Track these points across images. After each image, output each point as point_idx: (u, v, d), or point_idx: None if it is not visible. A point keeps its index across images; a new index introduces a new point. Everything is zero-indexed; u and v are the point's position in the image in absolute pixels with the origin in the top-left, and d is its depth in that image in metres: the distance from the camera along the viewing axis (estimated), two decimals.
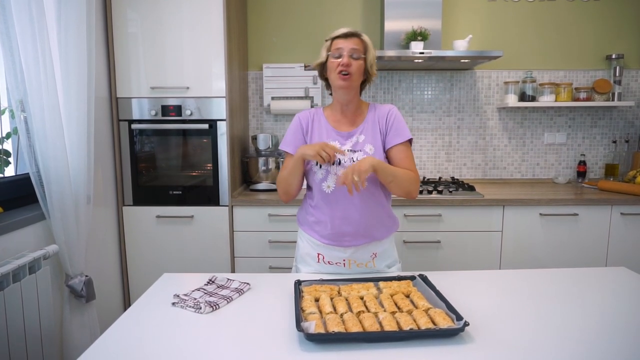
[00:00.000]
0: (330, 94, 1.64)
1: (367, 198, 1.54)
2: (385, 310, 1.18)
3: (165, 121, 2.49)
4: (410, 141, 1.59)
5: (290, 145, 1.61)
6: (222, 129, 2.49)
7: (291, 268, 1.76)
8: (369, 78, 1.59)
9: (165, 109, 2.47)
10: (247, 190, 2.77)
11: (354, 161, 1.52)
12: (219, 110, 2.47)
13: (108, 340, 1.09)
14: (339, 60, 1.51)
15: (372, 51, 1.56)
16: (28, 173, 1.80)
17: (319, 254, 1.60)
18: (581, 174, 3.01)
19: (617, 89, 2.93)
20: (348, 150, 1.55)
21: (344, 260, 1.58)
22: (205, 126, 2.48)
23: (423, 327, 1.07)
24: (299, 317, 1.11)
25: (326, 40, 1.58)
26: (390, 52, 2.57)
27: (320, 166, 1.54)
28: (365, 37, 1.55)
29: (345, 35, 1.53)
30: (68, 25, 1.88)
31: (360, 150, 1.55)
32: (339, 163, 1.53)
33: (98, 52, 2.32)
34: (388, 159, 1.58)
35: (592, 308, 1.26)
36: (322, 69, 1.60)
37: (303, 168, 1.54)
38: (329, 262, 1.59)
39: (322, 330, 1.06)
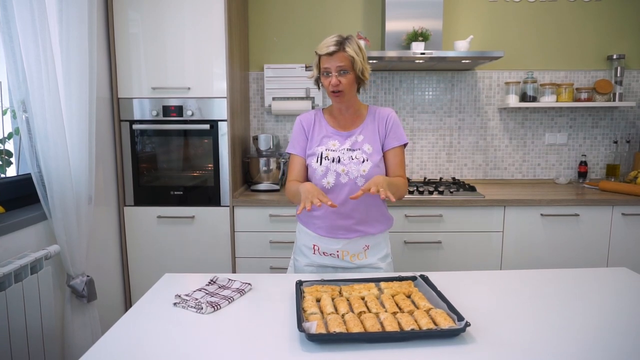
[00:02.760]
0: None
1: (364, 197, 1.57)
2: (386, 311, 1.18)
3: (166, 121, 2.49)
4: (404, 145, 1.68)
5: (295, 148, 1.69)
6: (223, 129, 2.49)
7: None
8: (362, 82, 1.62)
9: (166, 110, 2.47)
10: (248, 190, 2.77)
11: (352, 159, 1.59)
12: (220, 110, 2.48)
13: (109, 340, 1.09)
14: (329, 79, 1.55)
15: (360, 59, 1.55)
16: (30, 173, 1.81)
17: (314, 245, 1.67)
18: (582, 174, 3.01)
19: (618, 90, 2.92)
20: (347, 150, 1.61)
21: (338, 251, 1.64)
22: (207, 126, 2.48)
23: (424, 328, 1.07)
24: (300, 317, 1.11)
25: (316, 53, 1.58)
26: (391, 53, 2.57)
27: (321, 163, 1.61)
28: (349, 50, 1.53)
29: (329, 53, 1.52)
30: (69, 25, 1.89)
31: (359, 149, 1.62)
32: (339, 160, 1.60)
33: (99, 52, 2.32)
34: (384, 160, 1.66)
35: (593, 308, 1.26)
36: (318, 80, 1.65)
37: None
38: (324, 253, 1.66)
39: (323, 331, 1.06)
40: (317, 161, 1.61)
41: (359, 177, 1.58)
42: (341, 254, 1.64)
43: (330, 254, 1.65)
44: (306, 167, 1.68)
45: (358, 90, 1.67)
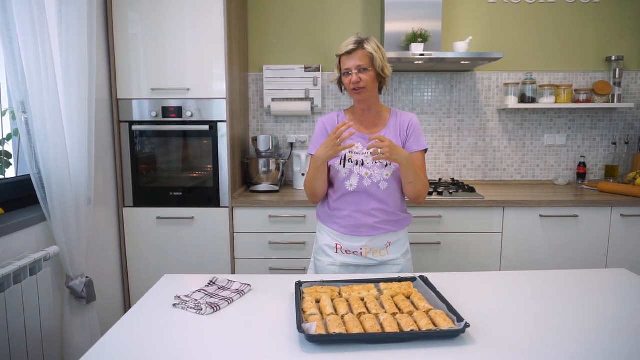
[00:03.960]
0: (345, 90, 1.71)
1: (387, 196, 1.64)
2: (386, 312, 1.18)
3: (165, 122, 2.49)
4: (425, 151, 1.71)
5: (317, 149, 1.69)
6: (223, 130, 2.49)
7: (292, 269, 1.79)
8: (384, 80, 1.65)
9: (165, 110, 2.47)
10: (247, 191, 2.77)
11: (375, 163, 1.62)
12: (219, 111, 2.48)
13: (109, 341, 1.09)
14: (349, 77, 1.59)
15: (379, 57, 1.59)
16: (29, 174, 1.81)
17: (337, 245, 1.69)
18: (581, 175, 3.01)
19: (617, 91, 2.93)
20: (371, 153, 1.63)
21: (361, 248, 1.67)
22: (206, 127, 2.48)
23: (424, 329, 1.07)
24: (300, 318, 1.11)
25: (336, 56, 1.63)
26: (390, 54, 2.56)
27: (344, 165, 1.63)
28: (368, 47, 1.57)
29: (349, 52, 1.57)
30: (69, 26, 1.89)
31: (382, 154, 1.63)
32: (362, 164, 1.63)
33: (99, 53, 2.32)
34: None
35: (593, 309, 1.26)
36: (340, 81, 1.68)
37: (327, 170, 1.63)
38: (346, 251, 1.68)
39: (323, 332, 1.06)
40: (340, 163, 1.64)
41: (382, 181, 1.63)
42: (364, 252, 1.67)
43: (354, 252, 1.68)
44: (327, 168, 1.68)
45: (380, 91, 1.69)
